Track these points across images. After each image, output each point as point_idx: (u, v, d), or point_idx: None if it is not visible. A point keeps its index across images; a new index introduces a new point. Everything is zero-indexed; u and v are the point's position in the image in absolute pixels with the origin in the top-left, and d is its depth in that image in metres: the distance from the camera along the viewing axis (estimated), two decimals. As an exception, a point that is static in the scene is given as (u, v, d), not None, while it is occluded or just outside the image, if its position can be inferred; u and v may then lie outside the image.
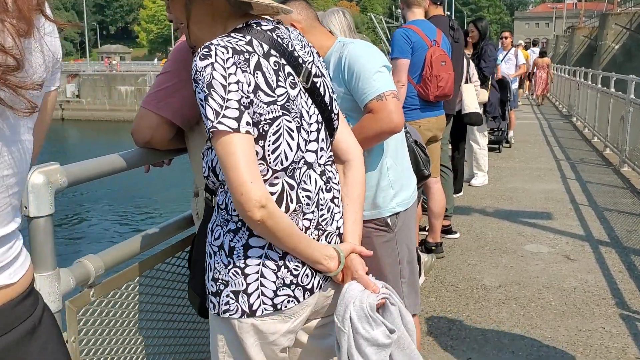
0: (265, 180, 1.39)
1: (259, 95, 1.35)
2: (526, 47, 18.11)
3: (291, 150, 1.42)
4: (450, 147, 5.55)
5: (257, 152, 1.36)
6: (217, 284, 1.45)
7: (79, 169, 1.54)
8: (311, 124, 1.49)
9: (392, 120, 2.04)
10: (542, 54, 18.81)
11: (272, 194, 1.40)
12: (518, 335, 3.33)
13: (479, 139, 6.99)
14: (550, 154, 9.43)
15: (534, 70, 17.74)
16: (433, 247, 4.56)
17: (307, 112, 1.48)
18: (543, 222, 5.59)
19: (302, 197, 1.47)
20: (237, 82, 1.32)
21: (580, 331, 3.38)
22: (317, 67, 1.54)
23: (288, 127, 1.41)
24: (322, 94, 1.53)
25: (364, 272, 1.53)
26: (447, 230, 5.07)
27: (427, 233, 4.66)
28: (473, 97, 5.70)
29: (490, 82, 6.88)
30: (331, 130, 1.59)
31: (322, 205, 1.53)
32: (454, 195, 5.61)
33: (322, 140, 1.54)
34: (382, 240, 2.28)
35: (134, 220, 16.49)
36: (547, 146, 10.24)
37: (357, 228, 1.62)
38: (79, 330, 1.59)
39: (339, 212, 1.60)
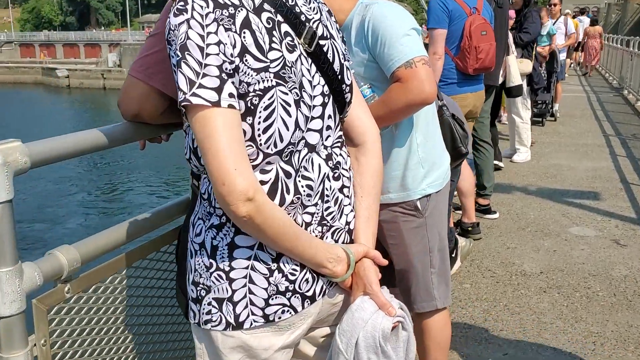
0: (254, 167, 1.14)
1: (246, 60, 1.09)
2: (574, 16, 17.37)
3: (287, 129, 1.16)
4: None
5: (244, 132, 1.11)
6: (198, 288, 1.22)
7: (45, 146, 1.31)
8: (315, 96, 1.23)
9: (424, 90, 1.80)
10: (594, 22, 18.07)
11: (263, 183, 1.15)
12: (560, 329, 3.06)
13: (521, 113, 6.62)
14: (598, 129, 8.94)
15: (585, 40, 17.06)
16: (469, 228, 4.31)
17: (310, 82, 1.21)
18: (590, 202, 5.24)
19: (302, 186, 1.21)
20: (219, 44, 1.07)
21: (631, 327, 3.08)
22: (326, 27, 1.27)
23: (284, 101, 1.15)
24: (331, 60, 1.26)
25: (378, 286, 1.27)
26: (485, 210, 4.81)
27: (461, 212, 4.39)
28: (517, 69, 5.44)
29: (534, 52, 6.48)
30: (342, 105, 1.31)
31: (327, 196, 1.26)
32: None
33: (329, 117, 1.27)
34: (410, 226, 2.08)
35: (126, 206, 14.84)
36: (595, 120, 9.73)
37: (372, 226, 1.35)
38: (52, 331, 1.39)
39: (349, 204, 1.33)
